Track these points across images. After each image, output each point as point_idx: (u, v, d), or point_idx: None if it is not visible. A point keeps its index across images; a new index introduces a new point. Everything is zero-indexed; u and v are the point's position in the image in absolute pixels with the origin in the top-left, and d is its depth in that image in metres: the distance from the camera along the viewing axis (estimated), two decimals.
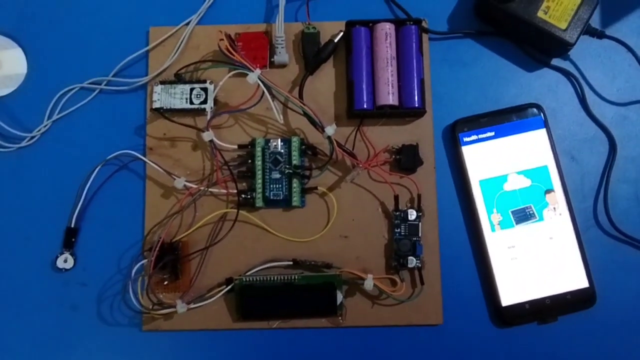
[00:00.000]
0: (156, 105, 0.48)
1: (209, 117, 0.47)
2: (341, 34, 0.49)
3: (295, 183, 0.47)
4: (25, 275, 0.48)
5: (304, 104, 0.46)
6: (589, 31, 0.48)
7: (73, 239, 0.48)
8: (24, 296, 0.48)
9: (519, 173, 0.48)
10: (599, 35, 0.48)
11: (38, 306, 0.48)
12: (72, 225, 0.48)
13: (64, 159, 0.49)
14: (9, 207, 0.49)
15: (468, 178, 0.48)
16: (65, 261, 0.48)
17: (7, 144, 0.49)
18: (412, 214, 0.46)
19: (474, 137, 0.48)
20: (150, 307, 0.45)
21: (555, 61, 0.50)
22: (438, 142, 0.49)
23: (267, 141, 0.47)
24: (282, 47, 0.48)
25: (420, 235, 0.46)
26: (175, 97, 0.48)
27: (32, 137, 0.49)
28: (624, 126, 0.49)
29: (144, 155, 0.48)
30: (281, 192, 0.47)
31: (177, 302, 0.45)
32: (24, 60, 0.50)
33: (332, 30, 0.49)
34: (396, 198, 0.47)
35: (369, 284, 0.45)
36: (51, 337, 0.47)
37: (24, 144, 0.49)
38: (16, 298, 0.48)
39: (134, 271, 0.46)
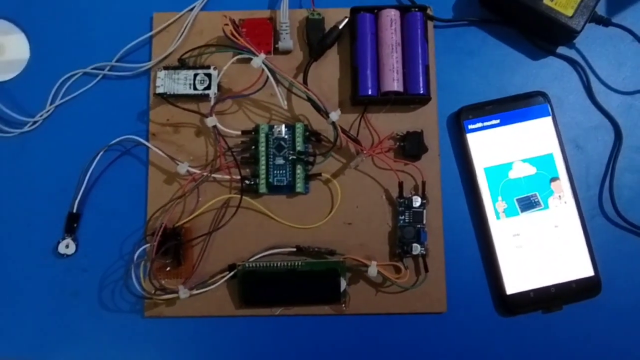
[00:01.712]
0: (159, 90, 0.48)
1: (212, 102, 0.47)
2: (346, 20, 0.48)
3: (299, 169, 0.47)
4: (27, 261, 0.48)
5: (308, 90, 0.46)
6: (595, 19, 0.47)
7: (75, 225, 0.48)
8: (25, 282, 0.47)
9: (524, 161, 0.47)
10: (605, 22, 0.48)
11: (39, 292, 0.47)
12: (74, 211, 0.48)
13: (66, 144, 0.49)
14: (11, 192, 0.48)
15: (473, 165, 0.47)
16: (67, 247, 0.47)
17: (9, 129, 0.49)
18: (417, 201, 0.46)
19: (479, 125, 0.48)
20: (153, 292, 0.45)
21: (561, 49, 0.50)
22: (443, 129, 0.49)
23: (271, 127, 0.47)
24: (286, 33, 0.48)
25: (424, 222, 0.46)
26: (178, 82, 0.48)
27: (35, 122, 0.49)
28: (630, 115, 0.49)
29: (147, 141, 0.48)
30: (285, 179, 0.47)
31: (180, 287, 0.45)
32: (27, 45, 0.50)
33: (336, 16, 0.49)
34: (400, 185, 0.47)
35: (372, 271, 0.44)
36: (52, 323, 0.47)
37: (26, 129, 0.49)
38: (17, 284, 0.47)
39: (136, 256, 0.45)
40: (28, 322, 0.47)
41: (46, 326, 0.47)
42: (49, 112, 0.49)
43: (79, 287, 0.47)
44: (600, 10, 0.49)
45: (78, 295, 0.47)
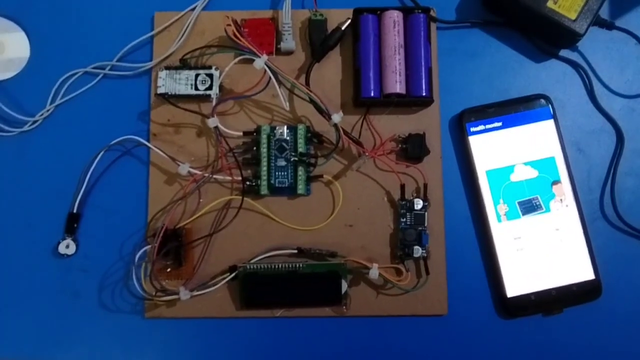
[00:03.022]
0: (161, 90, 0.47)
1: (214, 103, 0.46)
2: (349, 21, 0.48)
3: (300, 171, 0.46)
4: (27, 261, 0.47)
5: (310, 91, 0.45)
6: (598, 22, 0.47)
7: (75, 225, 0.47)
8: (25, 282, 0.47)
9: (526, 164, 0.47)
10: (609, 26, 0.48)
11: (39, 292, 0.47)
12: (75, 211, 0.47)
13: (66, 144, 0.49)
14: (10, 192, 0.48)
15: (475, 168, 0.47)
16: (67, 247, 0.47)
17: (9, 128, 0.49)
18: (418, 204, 0.46)
19: (481, 127, 0.48)
20: (153, 293, 0.45)
21: (564, 52, 0.50)
22: (445, 131, 0.48)
23: (273, 128, 0.47)
24: (288, 34, 0.48)
25: (426, 224, 0.46)
26: (180, 82, 0.48)
27: (35, 122, 0.49)
28: (632, 119, 0.49)
29: (148, 141, 0.48)
30: (286, 180, 0.47)
31: (180, 289, 0.45)
32: (27, 44, 0.50)
33: (339, 17, 0.48)
34: (402, 187, 0.47)
35: (374, 273, 0.44)
36: (52, 324, 0.47)
37: (26, 128, 0.49)
38: (17, 284, 0.47)
39: (137, 257, 0.45)
40: (28, 323, 0.47)
41: (46, 327, 0.47)
42: (49, 112, 0.49)
43: (79, 288, 0.47)
44: (604, 13, 0.49)
45: (78, 296, 0.47)
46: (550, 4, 0.46)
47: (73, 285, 0.47)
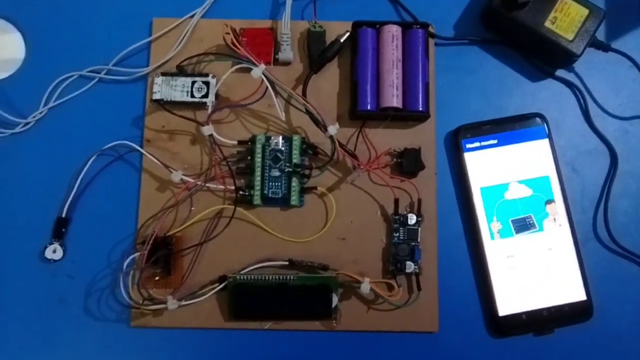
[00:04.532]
0: (156, 96, 0.47)
1: (209, 111, 0.46)
2: (347, 34, 0.48)
3: (294, 182, 0.46)
4: (12, 265, 0.47)
5: (307, 102, 0.45)
6: (594, 44, 0.48)
7: (63, 230, 0.47)
8: (9, 286, 0.46)
9: (520, 182, 0.47)
10: (605, 48, 0.48)
11: (24, 297, 0.46)
12: (63, 215, 0.47)
13: (58, 147, 0.48)
14: None
15: (469, 185, 0.47)
16: (54, 252, 0.46)
17: (0, 129, 0.48)
18: (412, 219, 0.46)
19: (476, 144, 0.48)
20: (140, 302, 0.44)
21: (560, 72, 0.50)
22: (440, 147, 0.48)
23: (268, 138, 0.47)
24: (287, 45, 0.48)
25: (419, 240, 0.46)
26: (176, 89, 0.47)
27: (27, 124, 0.48)
28: (626, 140, 0.49)
29: (141, 147, 0.47)
30: (280, 191, 0.46)
31: (168, 298, 0.44)
32: (23, 45, 0.49)
33: (338, 30, 0.48)
34: (396, 202, 0.46)
35: (365, 287, 0.44)
36: (36, 330, 0.46)
37: (18, 129, 0.48)
38: (1, 287, 0.46)
39: (125, 264, 0.44)
40: (11, 328, 0.46)
41: (29, 332, 0.46)
42: (42, 114, 0.48)
43: (64, 294, 0.46)
44: (600, 35, 0.49)
45: (63, 302, 0.46)
46: (548, 24, 0.47)
47: (59, 290, 0.46)
